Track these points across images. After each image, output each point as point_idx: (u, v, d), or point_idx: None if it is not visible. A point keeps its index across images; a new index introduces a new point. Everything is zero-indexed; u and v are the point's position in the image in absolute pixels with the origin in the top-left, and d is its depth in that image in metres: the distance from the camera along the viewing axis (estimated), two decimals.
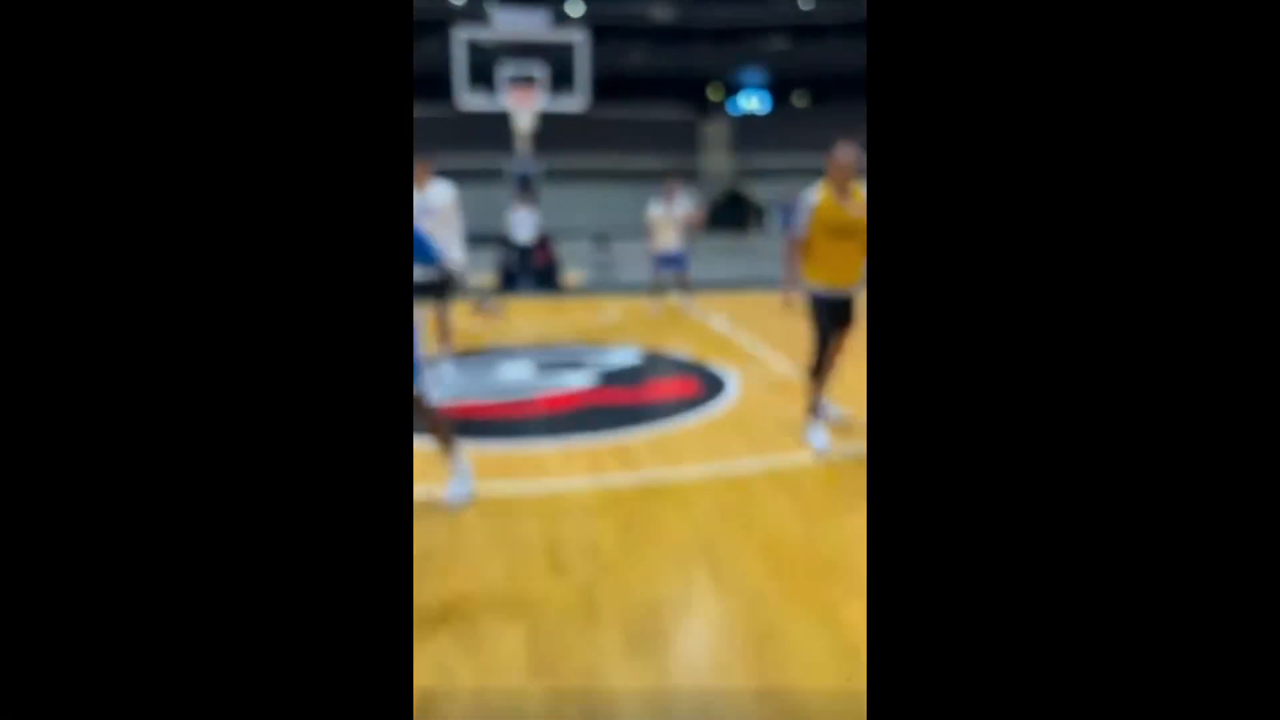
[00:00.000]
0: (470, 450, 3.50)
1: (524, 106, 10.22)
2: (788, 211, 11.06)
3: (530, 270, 10.16)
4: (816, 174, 3.53)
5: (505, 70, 10.28)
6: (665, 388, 4.80)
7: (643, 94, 33.44)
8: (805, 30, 33.68)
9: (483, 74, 10.14)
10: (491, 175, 21.04)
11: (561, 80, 10.32)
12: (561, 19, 22.28)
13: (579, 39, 10.28)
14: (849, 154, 3.20)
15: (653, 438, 3.72)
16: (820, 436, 3.48)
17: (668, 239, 7.55)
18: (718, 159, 30.59)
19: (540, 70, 10.28)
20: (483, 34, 10.34)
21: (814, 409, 3.53)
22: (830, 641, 1.95)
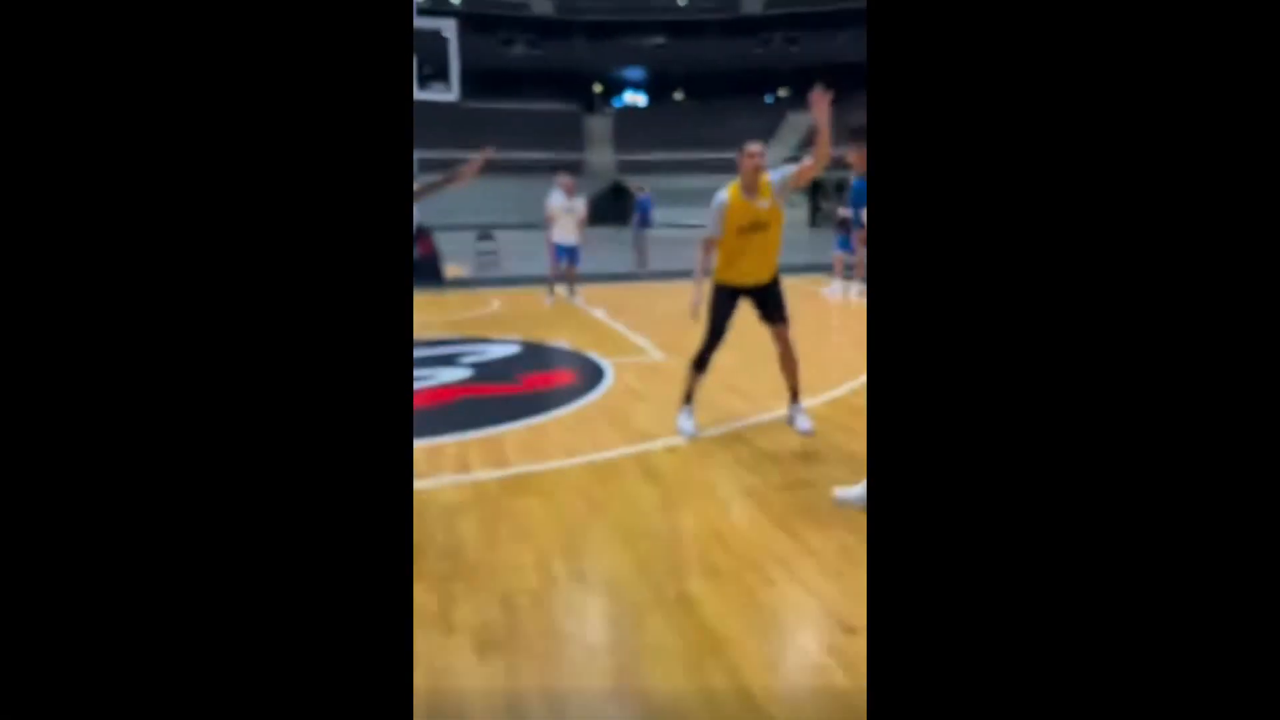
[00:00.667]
0: None
1: None
2: (644, 207, 11.40)
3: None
4: (695, 168, 3.54)
5: None
6: (541, 380, 4.69)
7: (525, 87, 32.94)
8: (683, 27, 34.30)
9: None
10: None
11: (438, 72, 9.94)
12: (436, 7, 21.46)
13: (448, 27, 9.91)
14: (756, 152, 3.26)
15: (524, 432, 3.60)
16: (687, 423, 3.52)
17: (568, 231, 7.62)
18: (601, 153, 30.62)
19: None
20: None
21: (687, 397, 3.57)
22: (686, 636, 1.93)
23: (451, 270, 11.21)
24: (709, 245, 3.41)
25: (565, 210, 7.62)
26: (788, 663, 1.80)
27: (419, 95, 9.86)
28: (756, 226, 3.31)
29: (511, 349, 5.61)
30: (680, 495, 2.81)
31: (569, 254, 7.74)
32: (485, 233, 13.05)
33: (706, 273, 3.46)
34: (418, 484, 2.95)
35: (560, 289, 7.96)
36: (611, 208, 24.33)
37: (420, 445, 3.40)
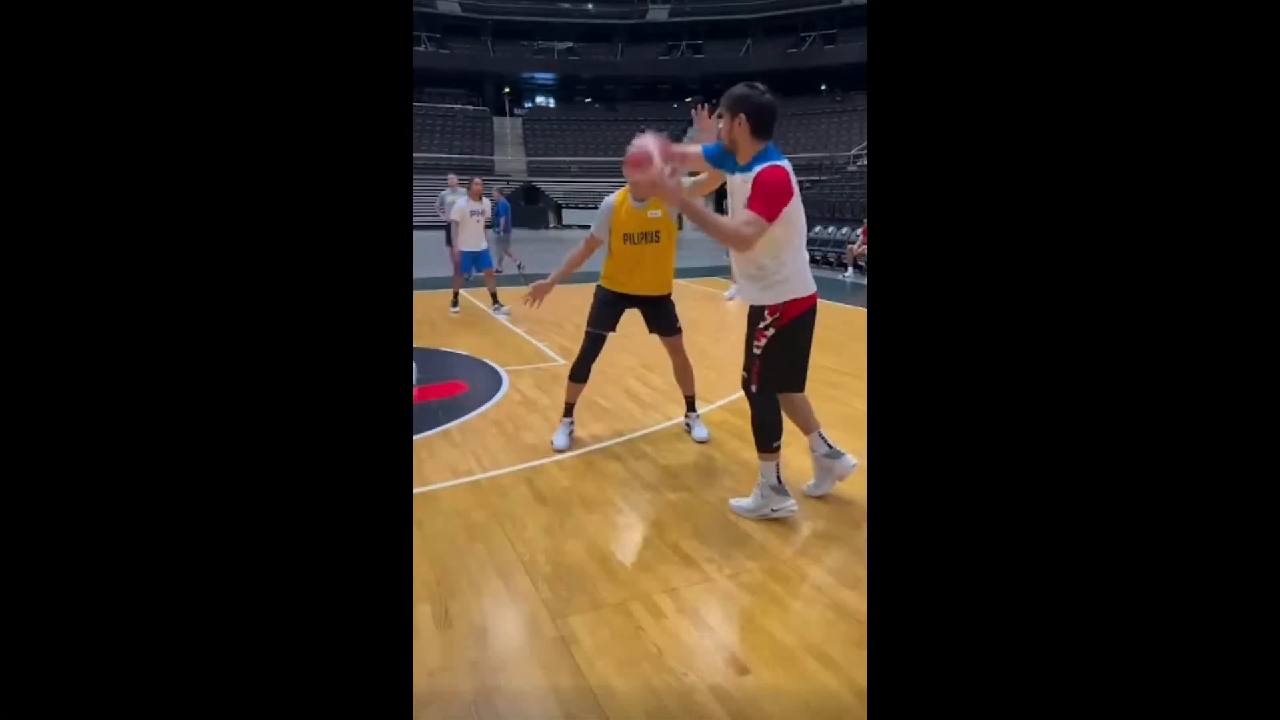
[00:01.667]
0: None
1: None
2: (503, 211, 11.20)
3: None
4: (606, 172, 3.33)
5: None
6: (433, 391, 4.36)
7: (433, 86, 31.95)
8: (591, 31, 34.21)
9: None
10: None
11: None
12: None
13: None
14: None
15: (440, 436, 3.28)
16: (562, 437, 3.31)
17: (475, 236, 7.21)
18: (512, 155, 30.07)
19: None
20: None
21: (567, 409, 3.37)
22: (559, 685, 1.71)
23: None
24: (589, 244, 3.23)
25: (473, 214, 7.24)
26: (669, 712, 1.61)
27: None
28: (646, 236, 3.14)
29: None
30: (568, 517, 2.59)
31: (476, 260, 7.34)
32: None
33: (569, 269, 3.24)
34: None
35: (464, 300, 7.58)
36: (523, 211, 23.90)
37: None
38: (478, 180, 7.55)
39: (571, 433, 3.35)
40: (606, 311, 3.25)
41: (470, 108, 32.35)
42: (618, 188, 3.27)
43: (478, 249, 7.26)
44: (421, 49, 32.11)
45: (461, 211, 7.17)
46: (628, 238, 3.14)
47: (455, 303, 7.32)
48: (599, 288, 3.28)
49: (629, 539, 2.42)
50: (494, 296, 7.13)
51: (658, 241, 3.15)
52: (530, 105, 35.45)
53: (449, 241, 9.14)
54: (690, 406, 3.47)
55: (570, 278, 3.28)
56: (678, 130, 30.33)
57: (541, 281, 3.23)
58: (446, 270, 7.82)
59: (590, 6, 34.18)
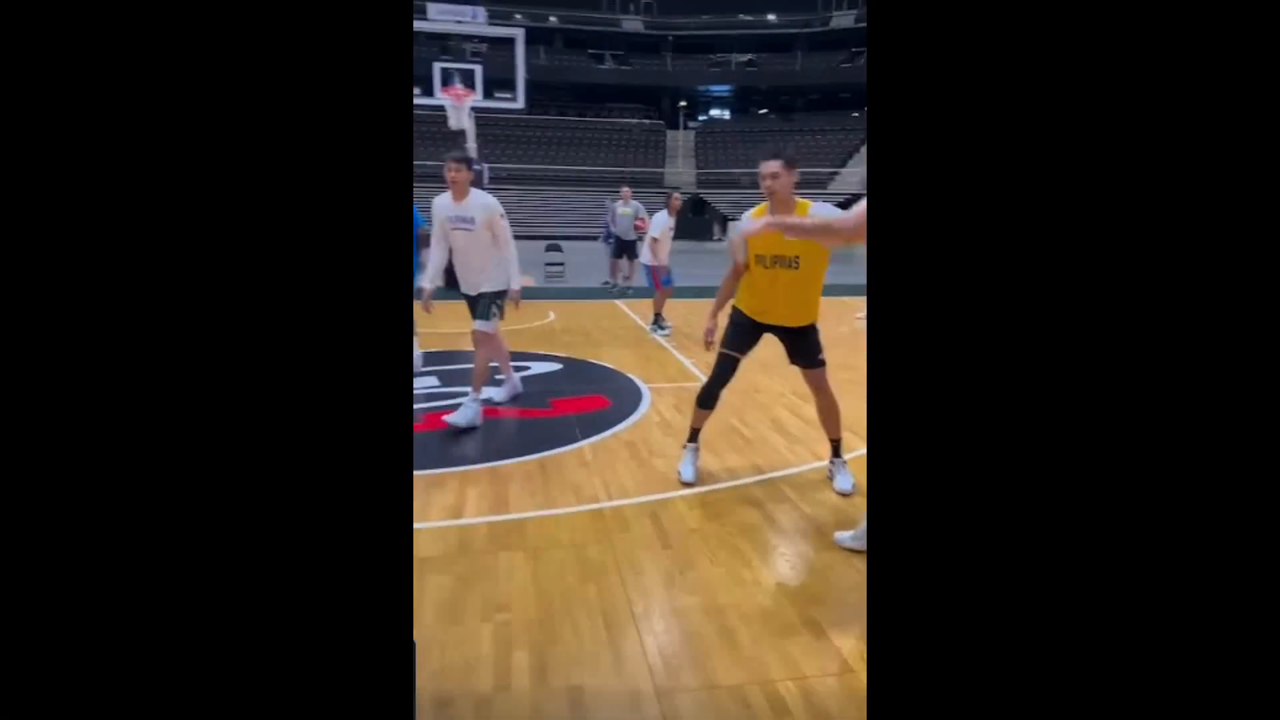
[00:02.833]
0: None
1: (458, 104, 9.72)
2: (610, 220, 10.85)
3: None
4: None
5: (443, 65, 9.82)
6: (572, 405, 4.30)
7: (612, 102, 33.21)
8: (771, 41, 33.74)
9: (422, 73, 9.67)
10: (438, 177, 20.36)
11: (506, 83, 9.88)
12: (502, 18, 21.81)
13: (517, 35, 9.84)
14: (766, 173, 2.67)
15: (534, 465, 3.21)
16: (688, 468, 3.03)
17: (666, 252, 6.90)
18: (683, 167, 30.38)
19: (475, 68, 9.83)
20: (417, 24, 9.86)
21: (692, 435, 3.09)
22: None
23: (523, 280, 11.09)
24: (735, 270, 2.90)
25: (669, 230, 6.79)
26: None
27: (485, 103, 9.86)
28: (781, 260, 2.73)
29: (553, 366, 5.27)
30: (690, 567, 2.33)
31: (658, 274, 6.87)
32: (554, 244, 12.92)
33: (723, 300, 2.97)
34: None
35: (618, 312, 7.43)
36: (690, 222, 24.02)
37: (419, 476, 3.06)
38: (676, 195, 7.23)
39: (698, 462, 3.08)
40: (740, 334, 2.92)
41: (645, 121, 33.17)
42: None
43: (665, 265, 6.94)
44: (605, 66, 33.49)
45: (662, 228, 6.84)
46: (760, 259, 2.78)
47: (660, 323, 6.75)
48: (734, 308, 2.97)
49: (756, 603, 2.12)
50: (658, 316, 6.78)
51: (796, 268, 2.73)
52: (705, 118, 35.67)
53: (616, 254, 9.26)
54: (835, 451, 3.05)
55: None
56: (855, 140, 29.01)
57: (708, 328, 2.97)
58: (603, 278, 7.80)
59: (772, 17, 33.74)
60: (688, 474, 3.02)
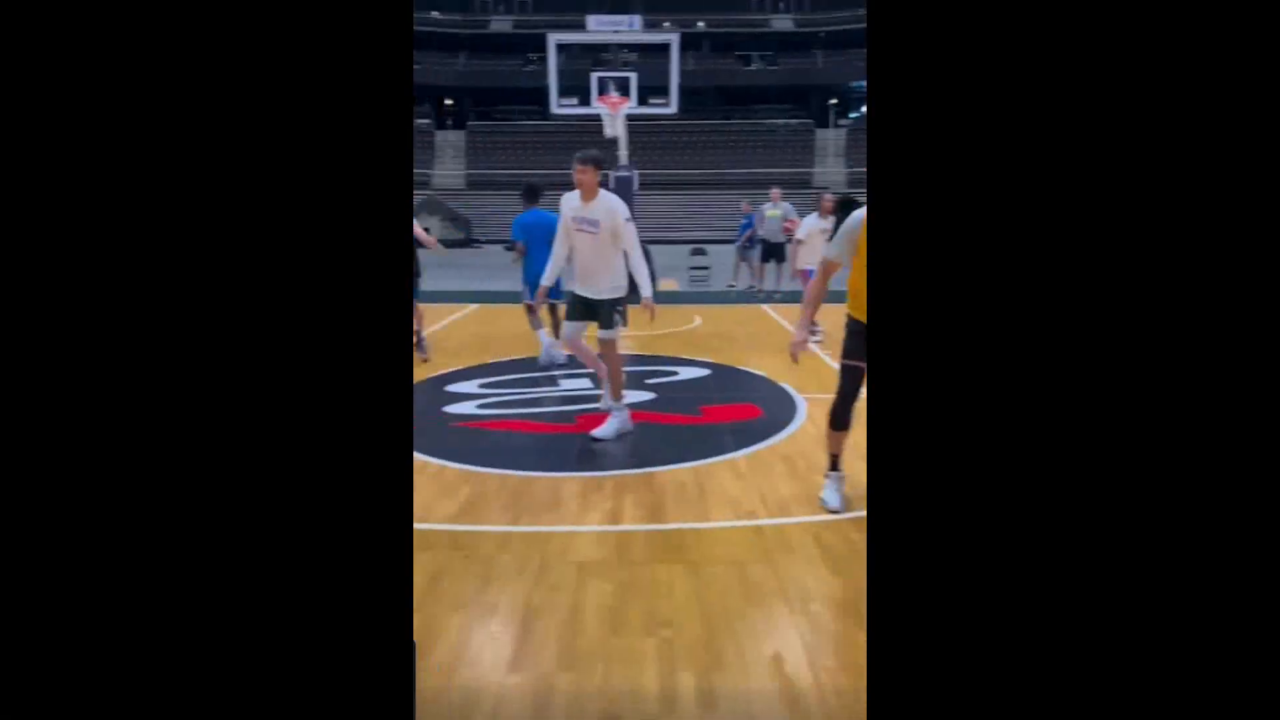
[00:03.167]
0: (489, 477, 3.10)
1: (614, 111, 9.95)
2: (756, 222, 10.30)
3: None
4: None
5: (599, 75, 10.11)
6: (723, 413, 4.21)
7: (761, 103, 32.77)
8: None
9: (576, 83, 10.01)
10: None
11: (659, 89, 10.00)
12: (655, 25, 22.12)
13: (672, 40, 9.90)
14: None
15: (689, 474, 3.15)
16: (832, 496, 2.78)
17: (814, 254, 6.83)
18: (832, 166, 29.31)
19: (630, 75, 10.03)
20: (576, 37, 10.21)
21: (833, 462, 2.82)
22: None
23: (664, 284, 11.20)
24: (825, 270, 2.70)
25: (821, 232, 6.57)
26: None
27: (638, 110, 10.03)
28: None
29: (702, 372, 5.21)
30: (860, 594, 2.15)
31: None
32: (699, 248, 12.89)
33: (813, 307, 2.76)
34: (560, 526, 2.64)
35: (764, 316, 7.32)
36: (841, 222, 23.07)
37: (577, 478, 3.11)
38: (828, 196, 6.97)
39: (843, 489, 2.79)
40: (859, 342, 2.66)
41: (794, 121, 32.39)
42: None
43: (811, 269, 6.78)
44: (752, 67, 33.09)
45: (811, 230, 6.64)
46: None
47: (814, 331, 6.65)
48: (847, 315, 2.72)
49: None
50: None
51: None
52: (856, 115, 34.24)
53: (763, 257, 9.06)
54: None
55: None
56: None
57: (797, 339, 2.80)
58: (746, 282, 7.62)
59: None
60: (833, 502, 2.76)
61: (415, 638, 1.97)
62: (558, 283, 3.93)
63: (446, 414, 4.16)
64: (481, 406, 4.29)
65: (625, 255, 3.61)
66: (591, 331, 3.77)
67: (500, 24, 33.02)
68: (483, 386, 4.78)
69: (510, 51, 31.91)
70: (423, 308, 6.22)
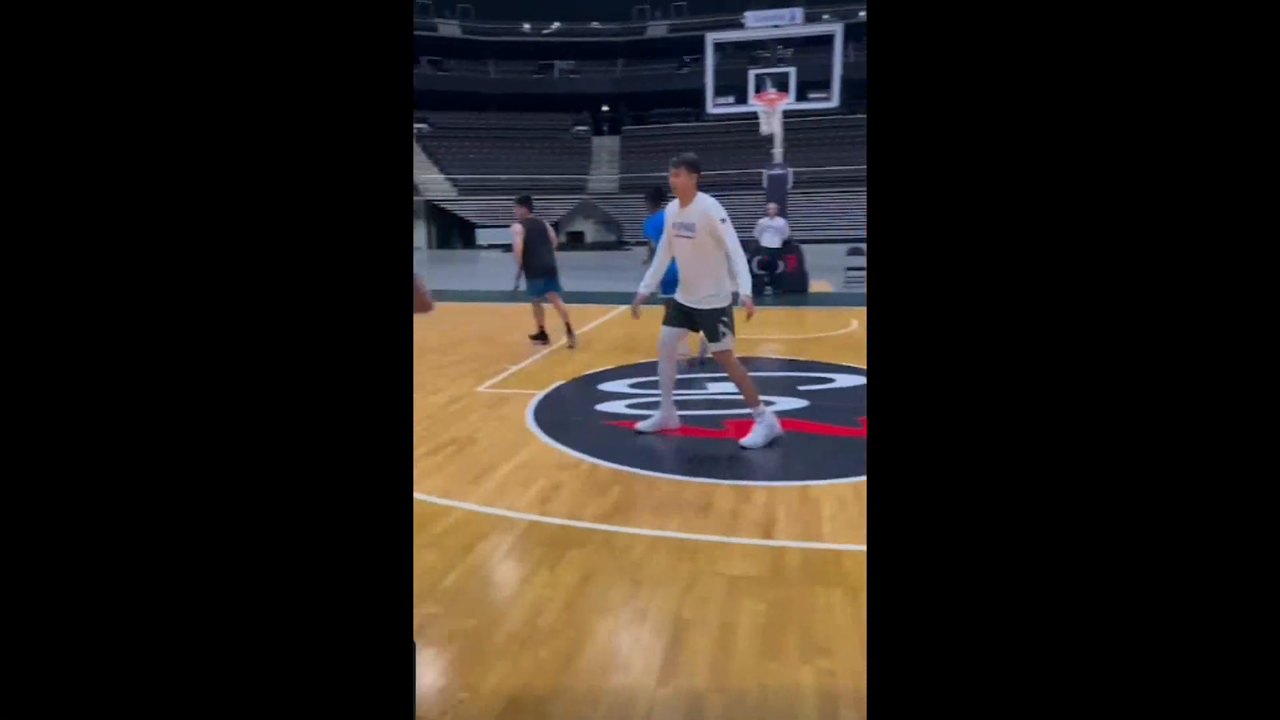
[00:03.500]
0: (638, 479, 3.10)
1: (771, 108, 9.71)
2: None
3: (777, 278, 9.92)
4: None
5: (756, 72, 9.93)
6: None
7: None
8: None
9: (731, 82, 9.90)
10: (749, 184, 20.74)
11: (818, 84, 9.64)
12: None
13: (835, 30, 9.48)
14: None
15: (847, 490, 2.95)
16: None
17: None
18: None
19: (788, 70, 9.75)
20: (734, 35, 10.08)
21: None
22: None
23: (818, 285, 10.80)
24: None
25: None
26: None
27: (796, 105, 9.72)
28: None
29: (858, 380, 4.92)
30: None
31: None
32: (856, 247, 12.30)
33: None
34: (710, 535, 2.56)
35: None
36: None
37: (728, 486, 3.02)
38: None
39: None
40: None
41: None
42: None
43: None
44: None
45: None
46: None
47: None
48: None
49: None
50: None
51: None
52: None
53: None
54: None
55: None
56: None
57: None
58: None
59: None
60: None
61: (566, 638, 1.99)
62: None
63: (598, 412, 4.23)
64: (631, 406, 4.32)
65: (728, 257, 3.48)
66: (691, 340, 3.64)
67: (656, 29, 33.55)
68: (632, 386, 4.82)
69: (665, 55, 32.34)
70: (567, 306, 6.50)
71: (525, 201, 6.46)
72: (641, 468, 3.28)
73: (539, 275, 6.33)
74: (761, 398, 3.68)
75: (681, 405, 4.07)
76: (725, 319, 3.56)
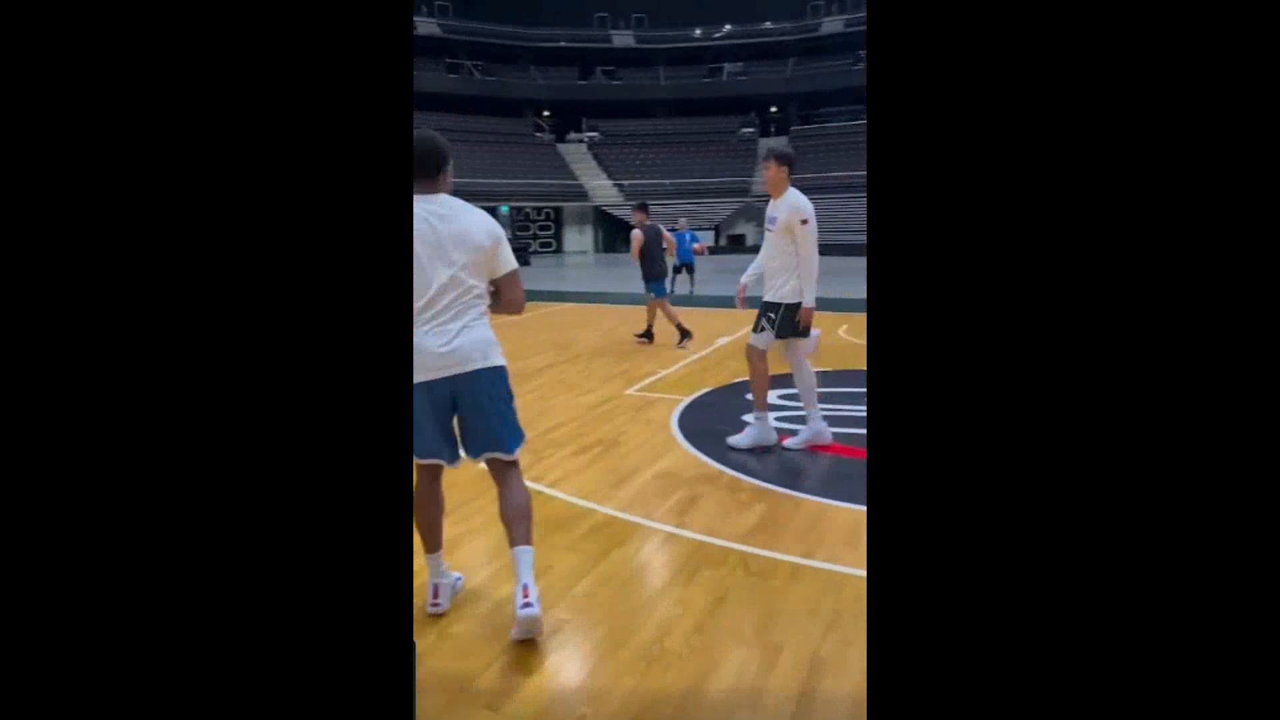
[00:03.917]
0: (784, 498, 2.96)
1: None
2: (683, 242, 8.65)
3: None
4: None
5: None
6: None
7: None
8: None
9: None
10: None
11: None
12: None
13: None
14: None
15: None
16: None
17: None
18: None
19: None
20: None
21: None
22: None
23: None
24: None
25: None
26: None
27: None
28: None
29: None
30: None
31: None
32: None
33: None
34: (859, 569, 2.35)
35: None
36: None
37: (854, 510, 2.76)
38: None
39: None
40: None
41: None
42: None
43: None
44: None
45: None
46: None
47: None
48: None
49: None
50: None
51: None
52: None
53: None
54: None
55: None
56: None
57: None
58: None
59: None
60: None
61: (693, 664, 1.90)
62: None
63: (745, 423, 4.09)
64: (780, 420, 4.13)
65: (797, 258, 3.34)
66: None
67: (831, 24, 32.44)
68: (783, 398, 4.61)
69: (839, 52, 31.15)
70: (675, 309, 6.67)
71: (643, 208, 6.89)
72: (787, 487, 3.10)
73: (655, 278, 6.68)
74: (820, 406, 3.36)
75: (834, 421, 3.81)
76: (773, 316, 3.47)
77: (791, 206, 3.38)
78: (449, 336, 1.92)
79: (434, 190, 1.98)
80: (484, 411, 1.99)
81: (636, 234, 6.70)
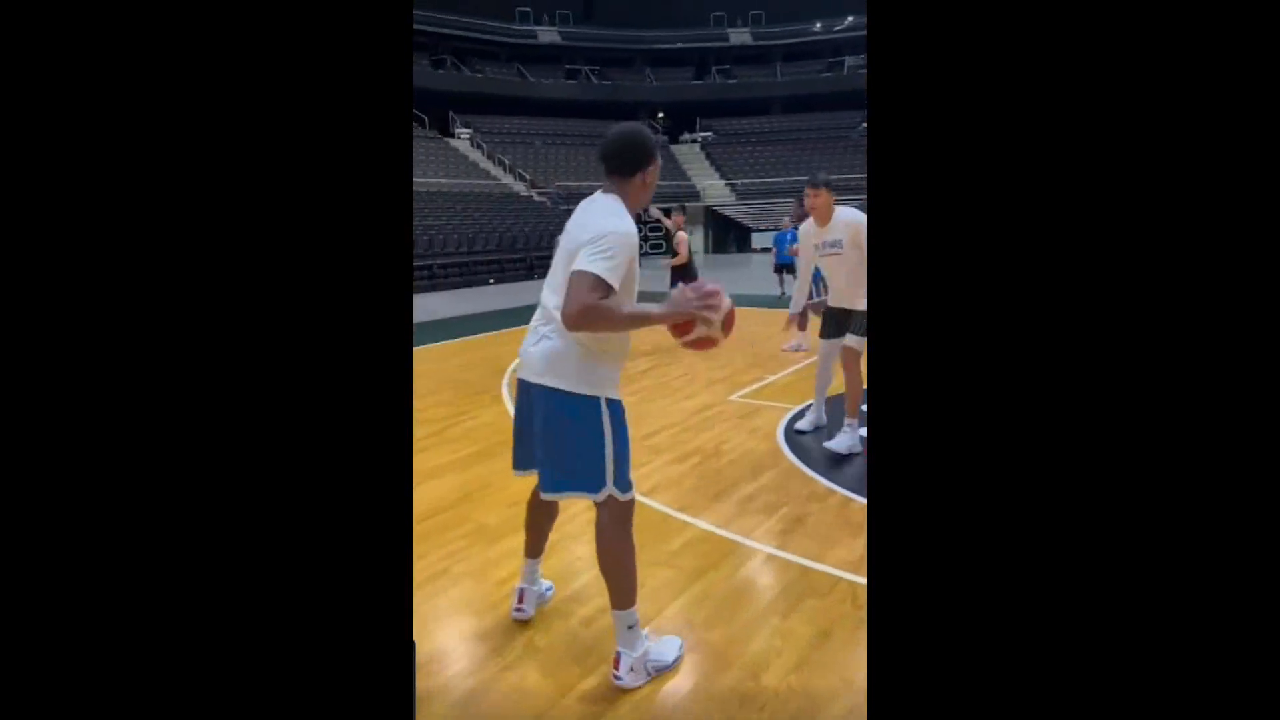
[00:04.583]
0: None
1: None
2: (778, 243, 8.88)
3: None
4: None
5: None
6: None
7: None
8: None
9: None
10: None
11: None
12: None
13: None
14: None
15: None
16: None
17: None
18: None
19: None
20: None
21: None
22: None
23: None
24: None
25: None
26: None
27: None
28: None
29: None
30: None
31: None
32: None
33: None
34: None
35: None
36: None
37: None
38: None
39: None
40: None
41: None
42: None
43: None
44: None
45: None
46: None
47: None
48: None
49: None
50: None
51: None
52: None
53: None
54: None
55: None
56: None
57: None
58: None
59: None
60: None
61: (793, 706, 1.73)
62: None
63: (860, 438, 3.82)
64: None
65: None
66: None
67: None
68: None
69: None
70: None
71: (682, 210, 7.19)
72: None
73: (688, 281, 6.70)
74: None
75: None
76: (864, 321, 3.46)
77: (849, 222, 3.47)
78: (533, 339, 1.84)
79: (619, 193, 1.77)
80: (536, 430, 1.81)
81: (682, 235, 6.74)
